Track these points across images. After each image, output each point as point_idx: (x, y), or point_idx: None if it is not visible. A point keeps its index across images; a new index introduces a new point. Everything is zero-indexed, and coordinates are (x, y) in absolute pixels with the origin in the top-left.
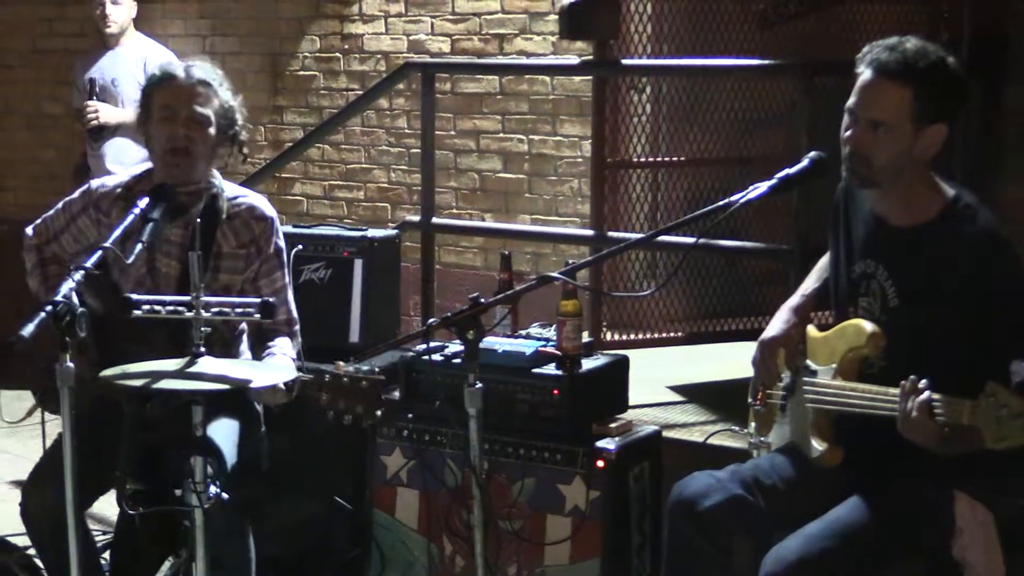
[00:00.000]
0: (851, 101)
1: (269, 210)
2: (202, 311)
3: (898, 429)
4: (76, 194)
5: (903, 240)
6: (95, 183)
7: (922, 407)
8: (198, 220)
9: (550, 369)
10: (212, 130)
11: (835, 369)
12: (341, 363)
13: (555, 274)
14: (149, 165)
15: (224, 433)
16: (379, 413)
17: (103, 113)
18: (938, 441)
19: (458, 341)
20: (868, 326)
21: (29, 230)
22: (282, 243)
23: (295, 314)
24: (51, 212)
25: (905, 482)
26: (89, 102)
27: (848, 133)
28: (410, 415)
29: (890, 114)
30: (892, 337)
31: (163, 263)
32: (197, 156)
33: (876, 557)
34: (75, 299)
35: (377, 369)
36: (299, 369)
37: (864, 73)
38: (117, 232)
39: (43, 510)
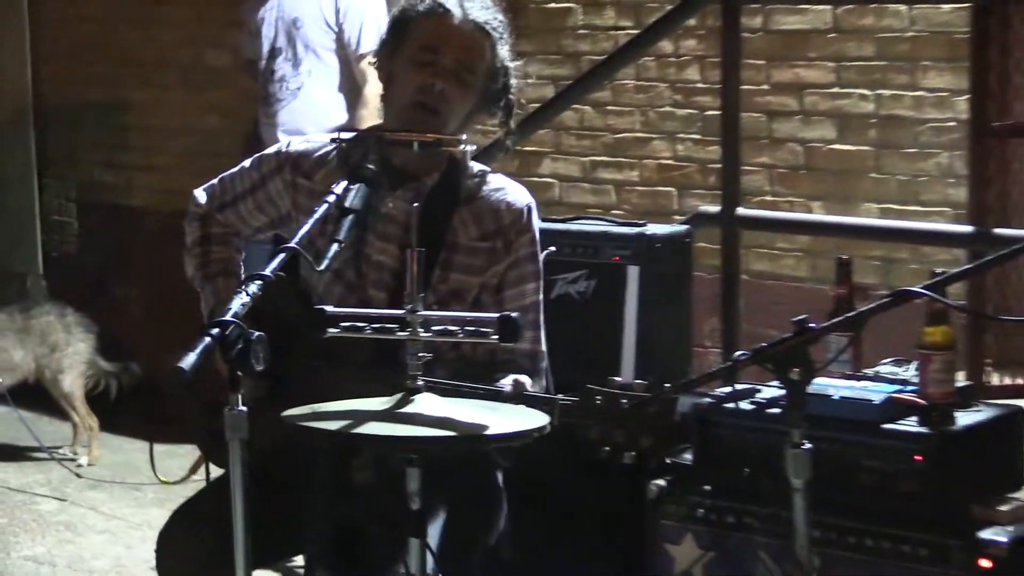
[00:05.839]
0: None
1: (526, 197)
2: (419, 330)
3: None
4: (269, 150)
5: None
6: (293, 141)
7: None
8: (415, 204)
9: (909, 424)
10: (473, 93)
11: None
12: (617, 378)
13: (916, 289)
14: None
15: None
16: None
17: None
18: None
19: (776, 383)
20: None
21: (199, 192)
22: (539, 244)
23: (543, 346)
24: (232, 170)
25: None
26: None
27: None
28: (707, 487)
29: None
30: None
31: (377, 248)
32: (447, 118)
33: None
34: (250, 312)
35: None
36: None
37: None
38: (307, 226)
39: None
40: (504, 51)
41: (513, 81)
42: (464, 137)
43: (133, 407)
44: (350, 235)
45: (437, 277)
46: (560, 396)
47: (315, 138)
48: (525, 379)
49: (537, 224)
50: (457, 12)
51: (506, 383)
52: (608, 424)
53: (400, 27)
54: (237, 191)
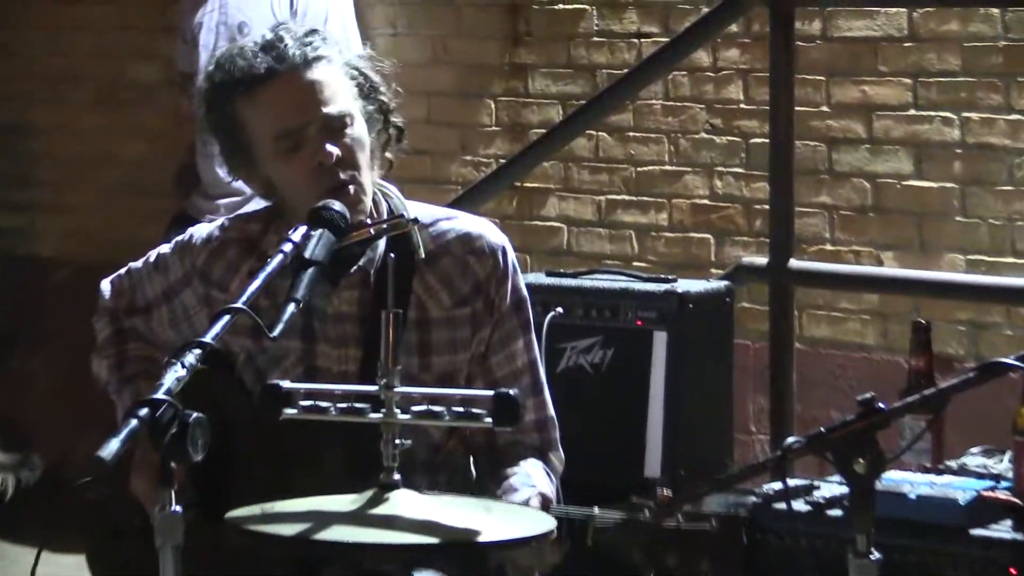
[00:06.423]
0: None
1: (496, 236)
2: (396, 410)
3: None
4: (169, 249)
5: None
6: (197, 233)
7: None
8: (391, 255)
9: (1002, 529)
10: (361, 126)
11: None
12: (666, 491)
13: (1011, 360)
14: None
15: None
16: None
17: None
18: None
19: (837, 478)
20: None
21: (105, 286)
22: (524, 291)
23: (551, 410)
24: (139, 265)
25: None
26: None
27: None
28: None
29: None
30: None
31: (333, 358)
32: (362, 181)
33: None
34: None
35: (737, 505)
36: (564, 517)
37: None
38: (258, 282)
39: None
40: (348, 57)
41: (374, 76)
42: (404, 215)
43: (34, 509)
44: (308, 294)
45: (416, 366)
46: (597, 511)
47: (220, 229)
48: (548, 487)
49: (516, 265)
50: (281, 65)
51: (529, 497)
52: (656, 545)
53: (228, 122)
54: (148, 296)
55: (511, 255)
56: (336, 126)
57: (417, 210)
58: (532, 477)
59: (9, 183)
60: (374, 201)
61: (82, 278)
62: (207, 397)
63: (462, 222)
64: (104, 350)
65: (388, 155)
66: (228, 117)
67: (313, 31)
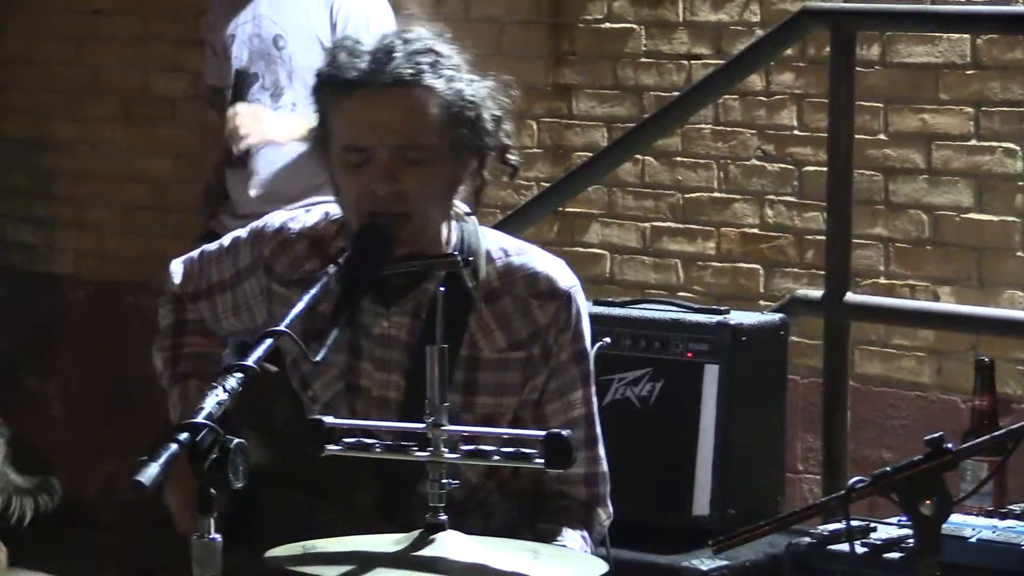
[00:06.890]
0: None
1: (566, 279)
2: (443, 449)
3: None
4: (245, 233)
5: None
6: (271, 220)
7: None
8: (440, 289)
9: None
10: (440, 163)
11: None
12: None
13: None
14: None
15: None
16: None
17: (250, 124)
18: None
19: (900, 518)
20: None
21: (176, 266)
22: (587, 341)
23: (603, 466)
24: (213, 248)
25: None
26: (236, 108)
27: None
28: None
29: None
30: None
31: (376, 381)
32: (422, 215)
33: None
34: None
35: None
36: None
37: None
38: (302, 304)
39: None
40: (456, 83)
41: (487, 114)
42: (471, 227)
43: (52, 534)
44: (353, 316)
45: (459, 405)
46: None
47: (292, 221)
48: (572, 539)
49: (582, 312)
50: (372, 78)
51: None
52: None
53: (321, 115)
54: (213, 280)
55: (577, 301)
56: (408, 157)
57: (490, 240)
58: (564, 541)
59: (28, 198)
60: (447, 227)
61: (100, 299)
62: (261, 392)
63: (531, 260)
64: (162, 340)
65: (478, 197)
66: (321, 108)
67: (430, 51)
